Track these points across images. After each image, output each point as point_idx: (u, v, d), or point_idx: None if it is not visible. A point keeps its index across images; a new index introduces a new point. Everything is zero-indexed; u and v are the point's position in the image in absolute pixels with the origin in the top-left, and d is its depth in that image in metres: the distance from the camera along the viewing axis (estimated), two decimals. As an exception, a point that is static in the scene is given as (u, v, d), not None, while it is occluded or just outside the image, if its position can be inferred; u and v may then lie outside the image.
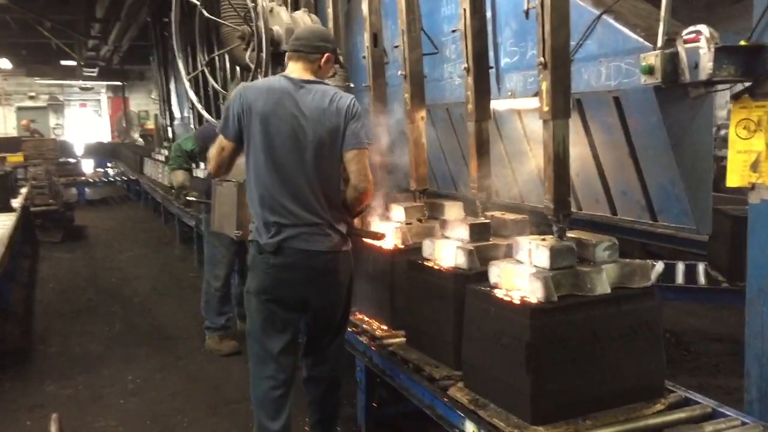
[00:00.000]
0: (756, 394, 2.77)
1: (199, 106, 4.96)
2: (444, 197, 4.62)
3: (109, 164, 19.16)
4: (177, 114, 14.28)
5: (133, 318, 6.44)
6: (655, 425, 2.62)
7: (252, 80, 4.23)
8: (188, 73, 5.42)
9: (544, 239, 2.84)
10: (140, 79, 25.83)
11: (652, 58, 2.79)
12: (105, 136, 26.10)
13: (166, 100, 14.94)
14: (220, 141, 3.14)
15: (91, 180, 16.50)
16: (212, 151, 3.21)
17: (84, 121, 27.53)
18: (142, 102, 27.04)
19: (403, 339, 3.58)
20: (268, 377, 3.18)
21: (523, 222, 3.41)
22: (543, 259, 2.74)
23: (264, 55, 4.29)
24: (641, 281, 2.82)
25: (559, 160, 2.82)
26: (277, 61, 4.42)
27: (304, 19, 4.41)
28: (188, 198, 5.44)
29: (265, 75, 4.31)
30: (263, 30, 4.11)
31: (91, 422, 4.13)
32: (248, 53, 4.32)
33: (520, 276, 2.75)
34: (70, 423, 3.92)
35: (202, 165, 6.17)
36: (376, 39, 4.38)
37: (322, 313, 3.23)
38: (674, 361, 4.91)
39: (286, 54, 3.27)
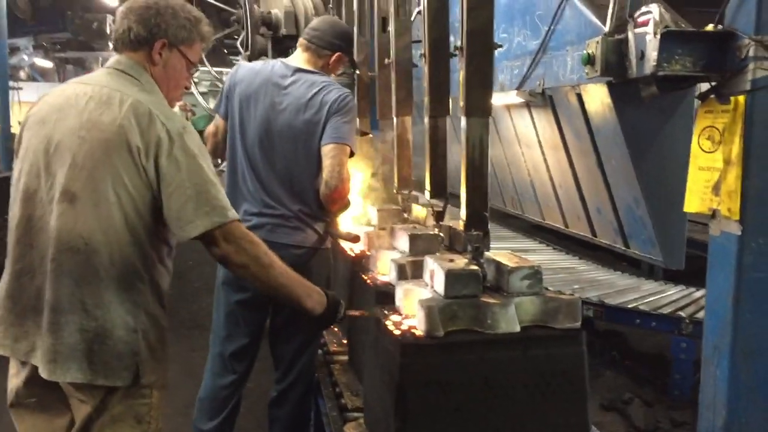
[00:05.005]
0: (705, 479, 2.15)
1: (195, 91, 4.82)
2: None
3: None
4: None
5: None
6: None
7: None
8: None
9: (452, 260, 2.37)
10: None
11: (594, 46, 2.23)
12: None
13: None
14: (215, 120, 3.07)
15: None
16: (209, 129, 3.11)
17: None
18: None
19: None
20: (215, 374, 3.07)
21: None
22: (441, 284, 2.28)
23: (250, 36, 4.07)
24: (566, 321, 2.27)
25: (474, 166, 2.34)
26: (278, 47, 4.17)
27: (305, 2, 4.12)
28: None
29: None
30: (248, 11, 3.88)
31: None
32: (240, 38, 4.11)
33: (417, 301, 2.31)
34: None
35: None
36: (385, 24, 4.01)
37: (289, 315, 2.96)
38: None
39: (298, 40, 3.12)
